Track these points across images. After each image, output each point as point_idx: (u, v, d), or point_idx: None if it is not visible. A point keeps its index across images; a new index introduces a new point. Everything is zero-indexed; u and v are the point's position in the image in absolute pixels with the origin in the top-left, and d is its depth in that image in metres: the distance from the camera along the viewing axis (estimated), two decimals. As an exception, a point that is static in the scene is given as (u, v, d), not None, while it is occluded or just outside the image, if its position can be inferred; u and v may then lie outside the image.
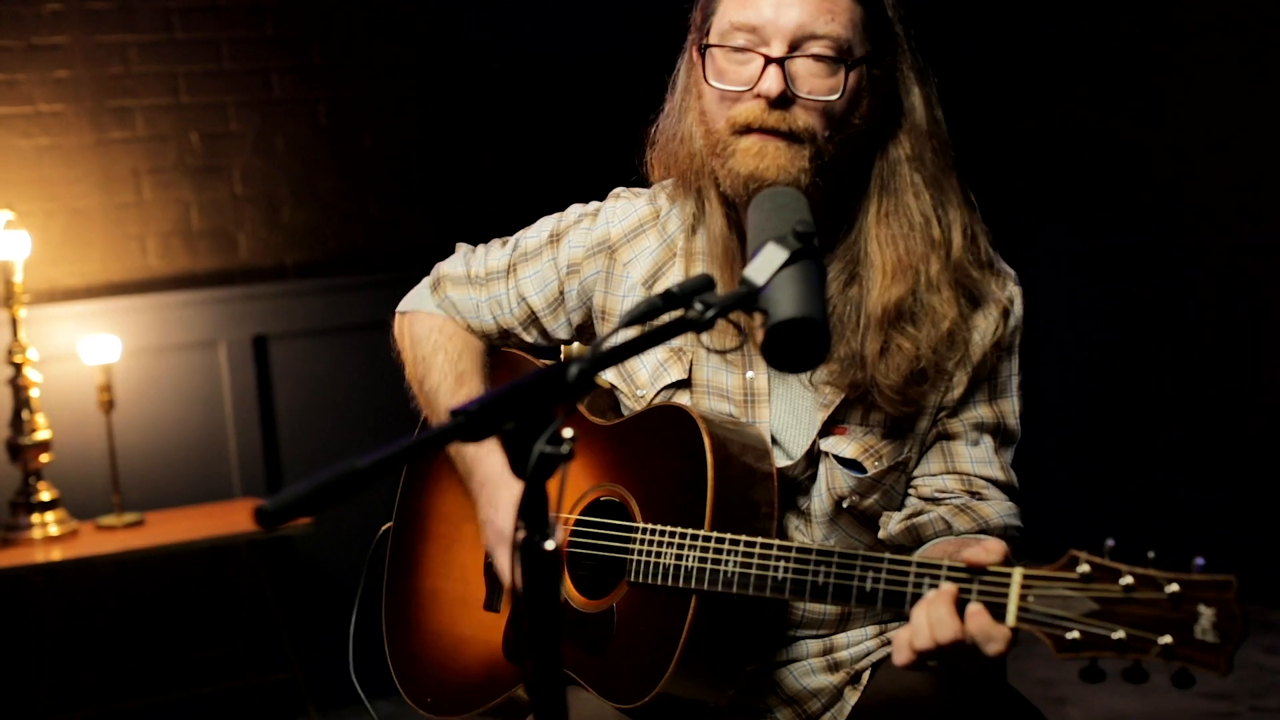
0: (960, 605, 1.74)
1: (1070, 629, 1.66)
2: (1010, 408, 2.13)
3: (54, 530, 4.21)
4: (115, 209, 4.66)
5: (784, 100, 1.98)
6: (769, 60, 1.99)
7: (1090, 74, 5.71)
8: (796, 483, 2.13)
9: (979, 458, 2.11)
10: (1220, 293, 5.39)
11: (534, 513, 1.52)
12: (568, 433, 1.50)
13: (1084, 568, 1.66)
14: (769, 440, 2.11)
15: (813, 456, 2.12)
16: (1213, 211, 5.36)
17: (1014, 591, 1.70)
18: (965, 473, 2.10)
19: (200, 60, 4.77)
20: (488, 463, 2.25)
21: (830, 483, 2.10)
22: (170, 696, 4.63)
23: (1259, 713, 4.36)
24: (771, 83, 1.98)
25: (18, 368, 4.22)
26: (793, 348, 1.67)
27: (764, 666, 2.15)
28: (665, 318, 1.63)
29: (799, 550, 1.92)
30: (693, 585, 2.00)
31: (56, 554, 4.08)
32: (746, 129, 2.01)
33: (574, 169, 5.15)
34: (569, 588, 2.17)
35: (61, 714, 4.40)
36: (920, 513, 2.10)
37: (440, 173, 5.11)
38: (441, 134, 5.11)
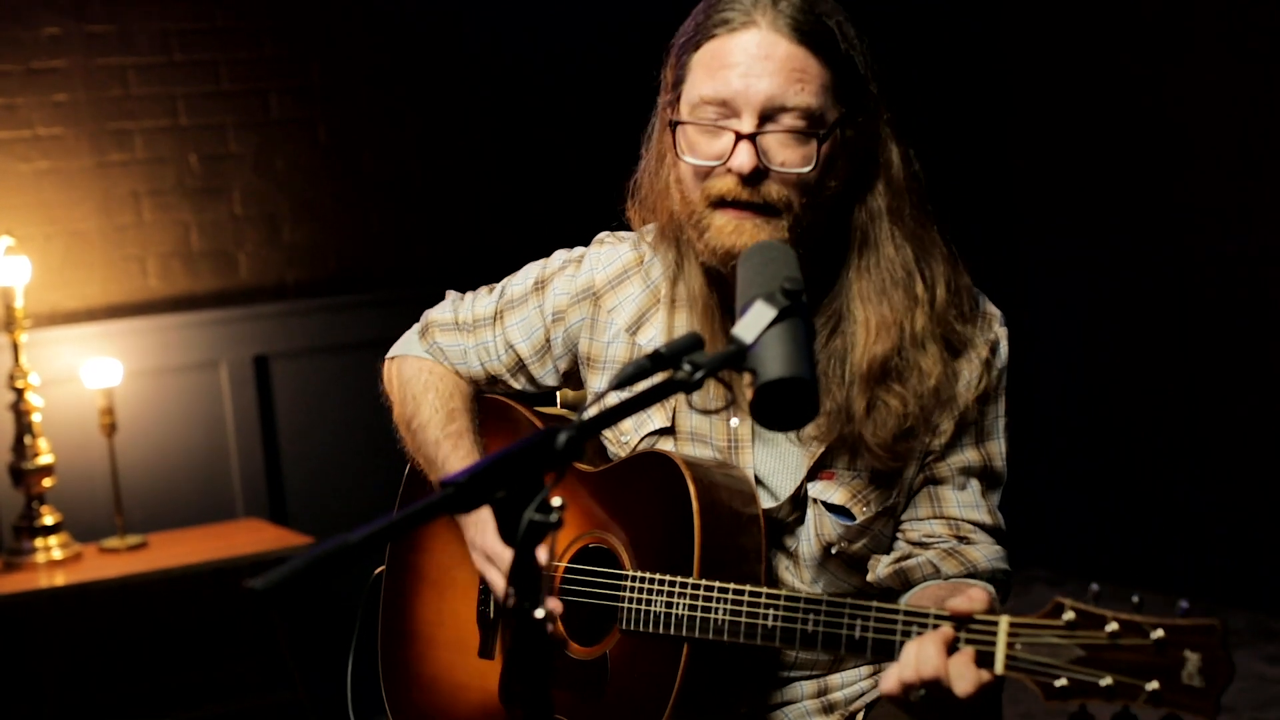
0: (951, 650, 1.75)
1: (1058, 676, 1.67)
2: (997, 449, 2.14)
3: (57, 554, 4.23)
4: (115, 231, 4.68)
5: (757, 175, 1.98)
6: (740, 136, 1.97)
7: (1092, 70, 5.72)
8: (783, 524, 2.14)
9: (966, 502, 2.12)
10: (1224, 292, 5.39)
11: (525, 580, 1.53)
12: (556, 501, 1.52)
13: (1069, 615, 1.68)
14: (754, 483, 2.12)
15: (799, 499, 2.13)
16: (1218, 210, 5.36)
17: (1001, 639, 1.71)
18: (953, 517, 2.11)
19: (199, 82, 4.79)
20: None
21: (819, 529, 2.11)
22: (175, 717, 4.65)
23: (1260, 725, 4.37)
24: (743, 159, 1.97)
25: (19, 393, 4.24)
26: (781, 407, 1.68)
27: (759, 709, 2.16)
28: (655, 377, 1.64)
29: (788, 598, 1.93)
30: (684, 633, 2.01)
31: (60, 579, 4.10)
32: (721, 202, 2.00)
33: (575, 185, 5.16)
34: (562, 634, 2.18)
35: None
36: (908, 556, 2.11)
37: (441, 190, 5.13)
38: (441, 151, 5.12)
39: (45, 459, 4.26)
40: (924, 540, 2.11)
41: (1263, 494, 5.34)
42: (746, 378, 1.69)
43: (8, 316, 4.23)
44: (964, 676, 1.71)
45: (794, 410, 1.69)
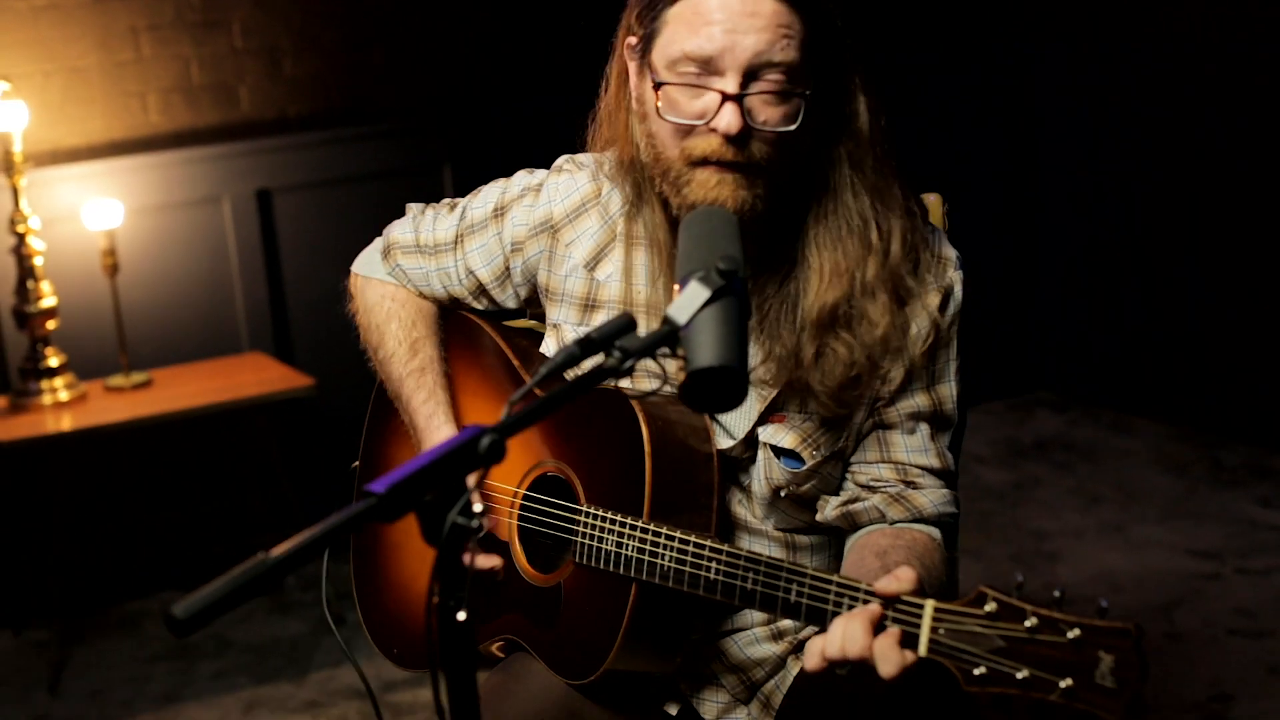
0: (879, 627, 1.79)
1: (978, 664, 1.71)
2: (948, 393, 2.16)
3: (63, 396, 4.30)
4: (114, 67, 4.65)
5: (742, 135, 1.96)
6: (726, 97, 1.95)
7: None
8: (738, 462, 2.18)
9: (914, 446, 2.14)
10: (1237, 125, 5.33)
11: (449, 579, 1.57)
12: (478, 506, 1.55)
13: (991, 606, 1.71)
14: (709, 421, 2.15)
15: (752, 440, 2.15)
16: (1232, 42, 5.28)
17: (926, 623, 1.75)
18: (900, 462, 2.14)
19: (196, -87, 4.72)
20: (438, 435, 2.30)
21: (768, 472, 2.14)
22: (181, 554, 4.79)
23: (1243, 574, 4.42)
24: (730, 120, 1.94)
25: (20, 237, 4.27)
26: (710, 393, 1.70)
27: (709, 635, 2.22)
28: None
29: (729, 554, 1.97)
30: (632, 574, 2.06)
31: (66, 422, 4.18)
32: (704, 161, 1.98)
33: (578, 18, 5.08)
34: (521, 560, 2.24)
35: (73, 575, 4.55)
36: (856, 500, 2.14)
37: (442, 22, 5.07)
38: (443, -19, 5.05)
39: (48, 302, 4.31)
40: (871, 484, 2.15)
41: (1265, 326, 5.34)
42: (678, 362, 1.71)
43: (7, 161, 4.24)
44: (889, 658, 1.75)
45: (722, 396, 1.71)
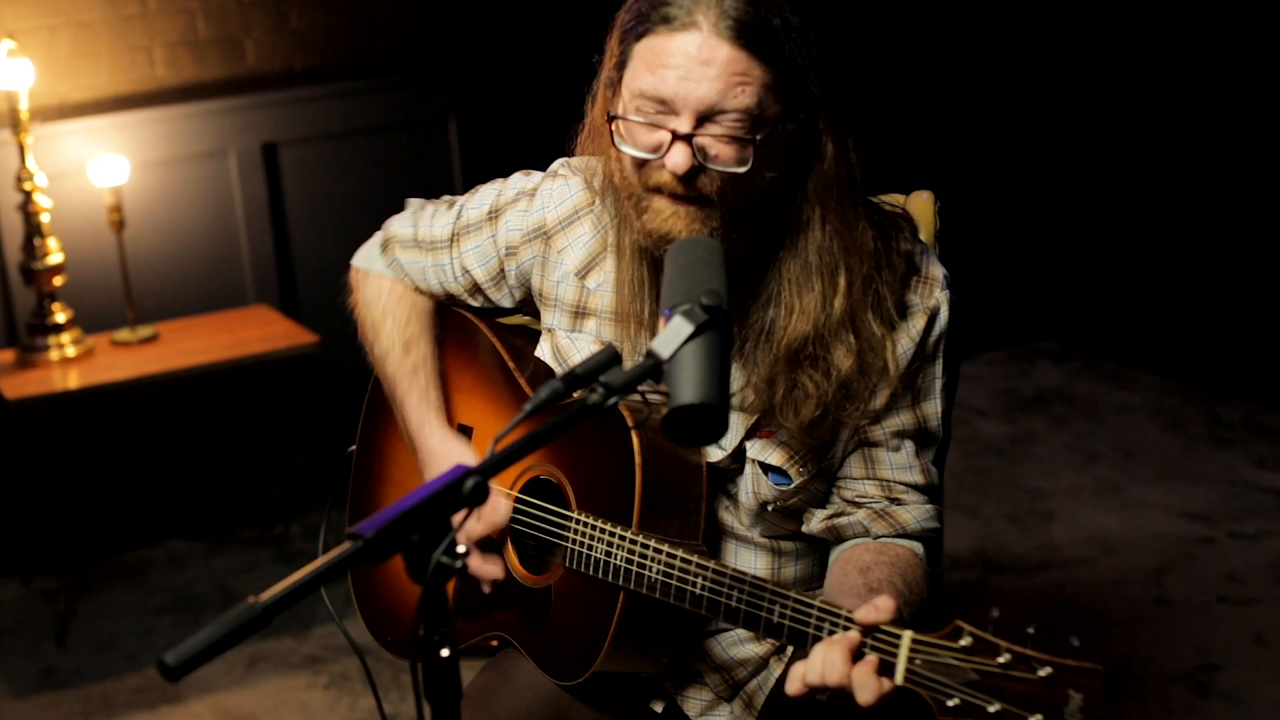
0: (858, 655, 1.84)
1: (952, 696, 1.76)
2: (933, 410, 2.20)
3: (71, 351, 4.35)
4: (120, 21, 4.66)
5: (693, 173, 1.99)
6: (676, 136, 1.98)
7: None
8: (726, 473, 2.22)
9: (899, 464, 2.19)
10: (1243, 79, 5.33)
11: (434, 615, 1.63)
12: (461, 548, 1.60)
13: (966, 640, 1.76)
14: None
15: (740, 453, 2.20)
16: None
17: (903, 653, 1.80)
18: (885, 479, 2.19)
19: None
20: (430, 441, 2.35)
21: (755, 487, 2.19)
22: (187, 503, 4.86)
23: (1235, 539, 4.47)
24: (679, 159, 1.98)
25: (27, 194, 4.30)
26: (691, 429, 1.74)
27: (694, 636, 2.28)
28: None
29: (715, 570, 2.02)
30: (619, 582, 2.11)
31: (74, 380, 4.23)
32: (659, 190, 2.03)
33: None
34: (513, 560, 2.29)
35: (80, 525, 4.62)
36: (841, 514, 2.19)
37: (448, -26, 5.07)
38: (449, -67, 5.05)
39: (55, 258, 4.34)
40: (857, 500, 2.19)
41: (1268, 283, 5.36)
42: (662, 393, 1.75)
43: (13, 118, 4.26)
44: (866, 687, 1.80)
45: (703, 432, 1.74)
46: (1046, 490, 4.88)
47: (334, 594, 2.43)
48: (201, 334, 4.54)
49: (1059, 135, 5.99)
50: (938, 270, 2.20)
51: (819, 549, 2.28)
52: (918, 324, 2.15)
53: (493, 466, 1.65)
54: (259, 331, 4.54)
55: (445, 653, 1.62)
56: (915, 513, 2.18)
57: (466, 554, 1.59)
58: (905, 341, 2.14)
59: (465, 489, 1.62)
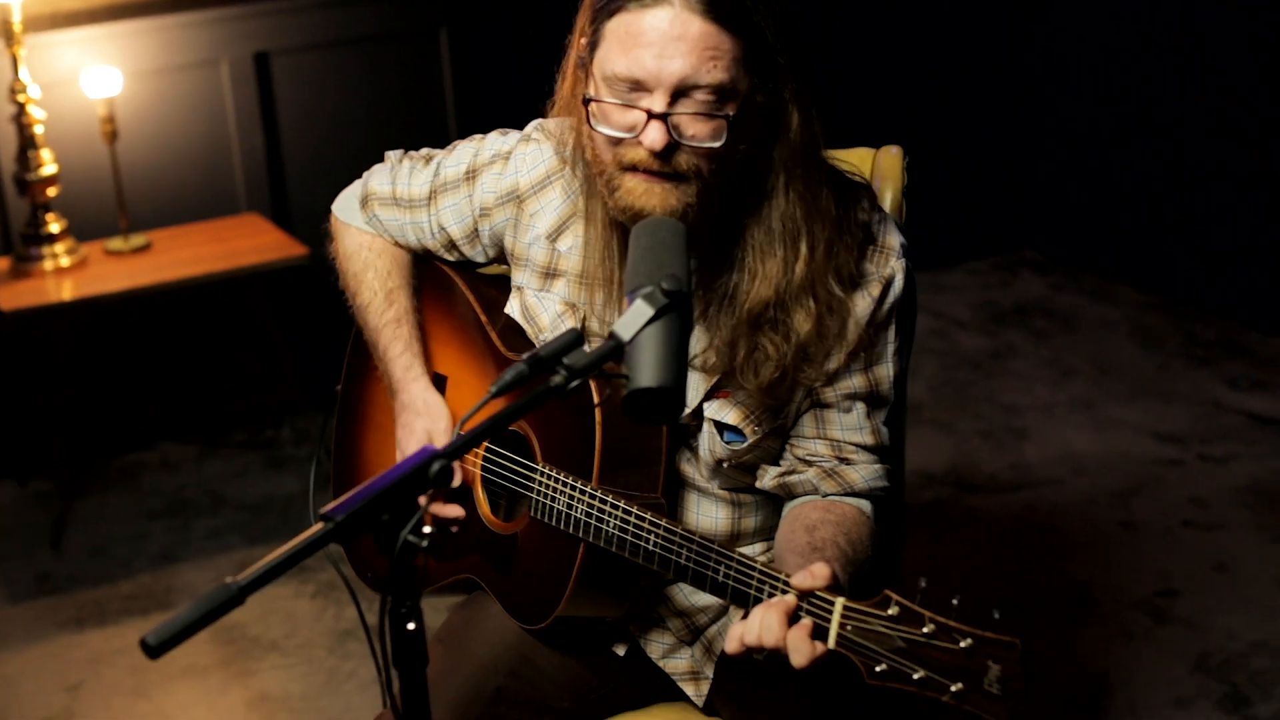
0: (794, 617, 1.94)
1: (880, 662, 1.86)
2: (885, 373, 2.28)
3: (64, 261, 4.43)
4: (113, -70, 4.69)
5: (669, 149, 2.06)
6: (651, 115, 2.05)
7: None
8: (687, 428, 2.31)
9: (850, 425, 2.27)
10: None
11: (400, 592, 1.73)
12: (427, 529, 1.70)
13: (894, 610, 1.86)
14: None
15: (699, 411, 2.29)
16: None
17: (836, 618, 1.90)
18: (835, 439, 2.28)
19: None
20: (410, 389, 2.44)
21: (711, 445, 2.28)
22: (180, 408, 4.96)
23: (1204, 461, 4.58)
24: (655, 136, 2.05)
25: (21, 106, 4.36)
26: (649, 410, 1.83)
27: (657, 582, 2.38)
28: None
29: (666, 528, 2.12)
30: (580, 534, 2.21)
31: (67, 291, 4.31)
32: (633, 168, 2.09)
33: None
34: (483, 506, 2.39)
35: (74, 429, 4.73)
36: (792, 472, 2.28)
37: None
38: None
39: (49, 169, 4.41)
40: (808, 458, 2.28)
41: (1248, 201, 5.42)
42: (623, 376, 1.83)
43: (6, 30, 4.31)
44: (800, 650, 1.90)
45: (660, 413, 1.83)
46: (1022, 406, 4.98)
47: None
48: (194, 243, 4.61)
49: (1052, 44, 6.02)
50: (894, 239, 2.27)
51: (777, 501, 2.37)
52: (873, 291, 2.23)
53: (457, 450, 1.74)
54: (251, 242, 4.61)
55: (411, 626, 1.72)
56: (864, 472, 2.28)
57: (433, 534, 1.69)
58: (860, 308, 2.22)
59: (431, 472, 1.71)
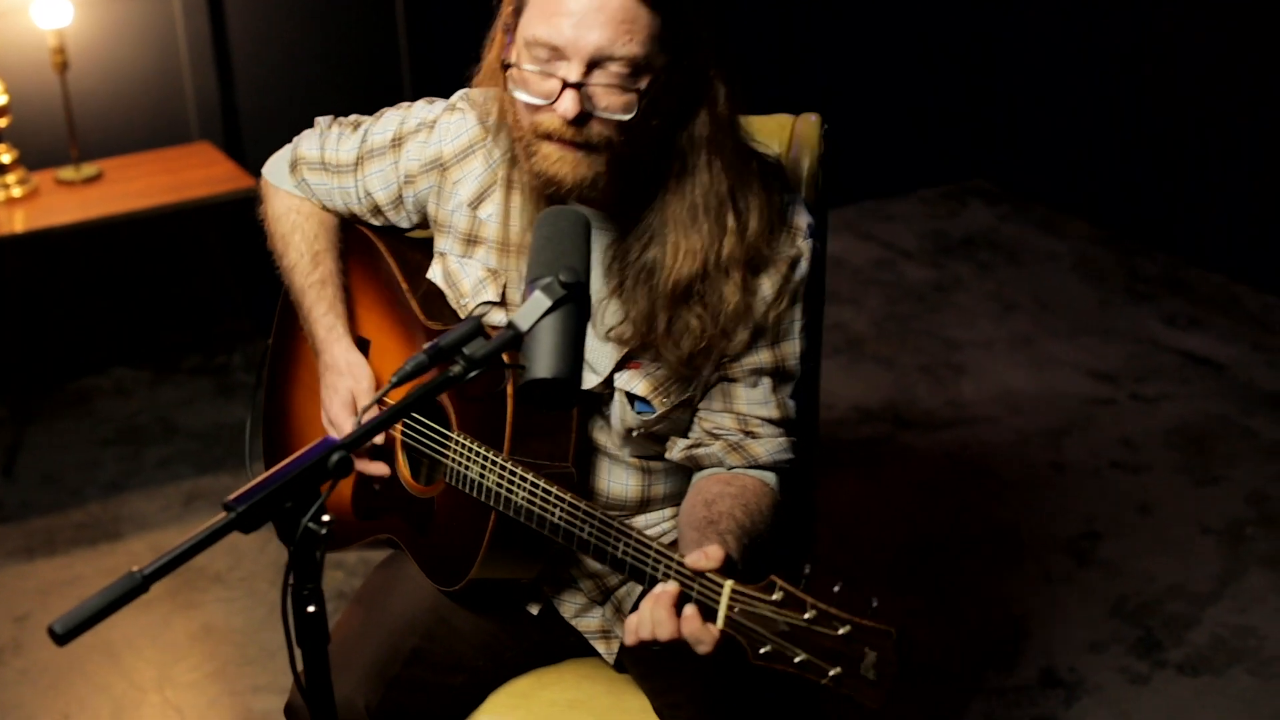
0: (682, 602, 2.03)
1: (765, 644, 1.95)
2: (791, 350, 2.36)
3: (16, 192, 4.46)
4: None
5: (581, 118, 2.12)
6: (566, 84, 2.11)
7: None
8: (600, 397, 2.39)
9: (756, 399, 2.35)
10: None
11: (302, 573, 1.81)
12: (326, 517, 1.77)
13: (778, 595, 1.95)
14: None
15: (611, 381, 2.37)
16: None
17: (724, 601, 1.99)
18: (742, 413, 2.36)
19: None
20: (333, 350, 2.51)
21: (622, 414, 2.36)
22: (131, 333, 5.02)
23: (1136, 400, 4.67)
24: (568, 105, 2.11)
25: (-30, 38, 4.38)
26: (544, 398, 1.91)
27: (568, 549, 2.46)
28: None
29: (570, 503, 2.19)
30: (490, 503, 2.29)
31: (18, 224, 4.34)
32: (549, 135, 2.16)
33: None
34: (403, 470, 2.47)
35: (26, 354, 4.79)
36: (700, 444, 2.36)
37: None
38: None
39: (0, 99, 4.44)
40: (714, 431, 2.36)
41: (1197, 136, 5.48)
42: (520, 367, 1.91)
43: (-45, -39, 4.32)
44: (702, 640, 1.99)
45: (555, 401, 1.91)
46: (962, 342, 5.06)
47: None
48: (145, 173, 4.65)
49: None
50: (803, 220, 2.34)
51: (687, 469, 2.46)
52: (781, 270, 2.30)
53: (356, 440, 1.82)
54: (202, 173, 4.65)
55: (311, 609, 1.81)
56: (768, 445, 2.36)
57: (332, 522, 1.76)
58: (769, 285, 2.30)
59: (330, 463, 1.79)
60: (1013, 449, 4.43)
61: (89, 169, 4.61)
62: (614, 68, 2.12)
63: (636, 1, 2.10)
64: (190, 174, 4.65)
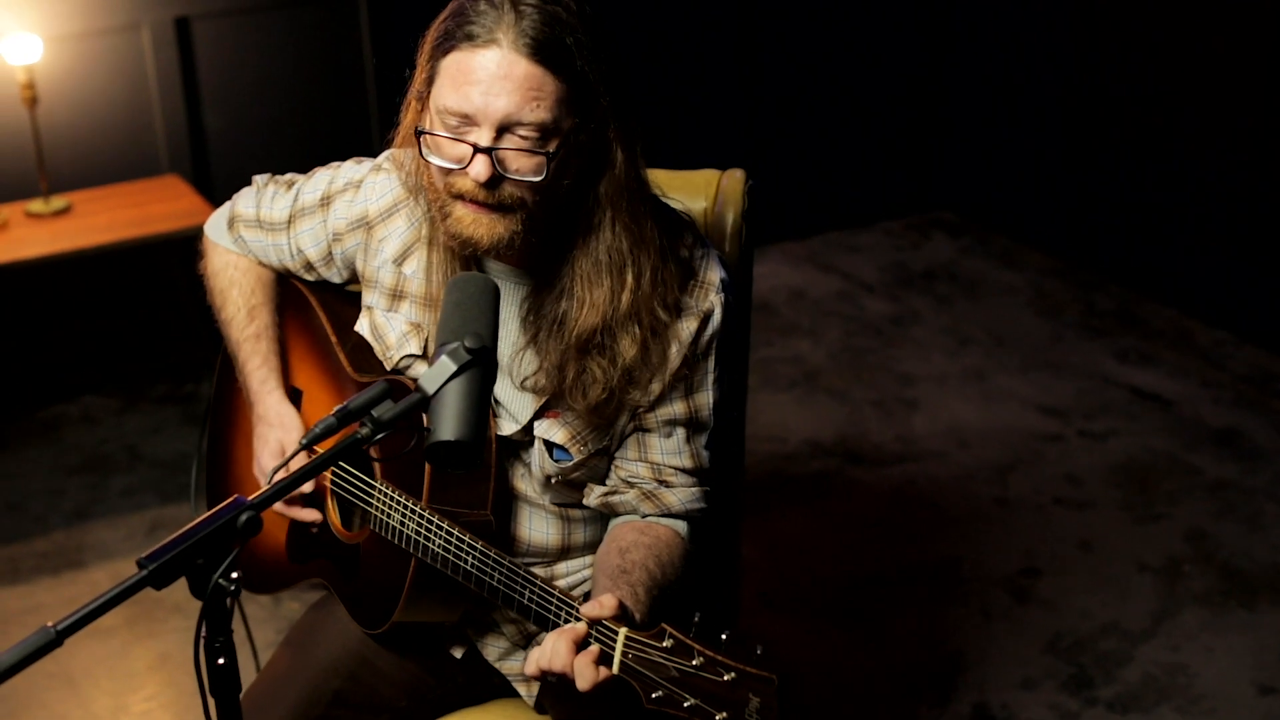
0: (584, 644, 2.13)
1: (657, 688, 2.05)
2: (705, 401, 2.45)
3: (-16, 226, 4.57)
4: (35, -103, 4.78)
5: (493, 181, 2.21)
6: (477, 149, 2.20)
7: None
8: (520, 444, 2.48)
9: (670, 449, 2.44)
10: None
11: (214, 626, 1.89)
12: (234, 575, 1.86)
13: (669, 642, 2.04)
14: (493, 409, 2.45)
15: (530, 428, 2.46)
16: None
17: (619, 646, 2.08)
18: (656, 462, 2.45)
19: None
20: (265, 401, 2.61)
21: (541, 461, 2.45)
22: (101, 362, 5.12)
23: (1083, 437, 4.76)
24: (480, 169, 2.20)
25: (-60, 74, 4.48)
26: (448, 459, 2.00)
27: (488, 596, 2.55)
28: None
29: (481, 551, 2.29)
30: (410, 550, 2.38)
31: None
32: (462, 197, 2.25)
33: None
34: (333, 515, 2.56)
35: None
36: (615, 492, 2.45)
37: None
38: None
39: (-31, 135, 4.54)
40: (629, 479, 2.46)
41: (1152, 169, 5.56)
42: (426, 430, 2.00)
43: (-74, 0, 4.42)
44: (584, 675, 2.09)
45: (459, 462, 2.00)
46: (916, 376, 5.15)
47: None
48: (112, 207, 4.75)
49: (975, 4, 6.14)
50: (715, 275, 2.43)
51: (606, 516, 2.55)
52: (691, 325, 2.39)
53: (265, 501, 1.91)
54: (168, 207, 4.75)
55: (221, 661, 1.89)
56: (681, 495, 2.45)
57: (240, 580, 1.85)
58: (680, 339, 2.39)
59: (239, 523, 1.88)
60: (959, 484, 4.52)
61: (58, 201, 4.71)
62: (523, 132, 2.21)
63: (542, 69, 2.20)
64: (156, 208, 4.75)
